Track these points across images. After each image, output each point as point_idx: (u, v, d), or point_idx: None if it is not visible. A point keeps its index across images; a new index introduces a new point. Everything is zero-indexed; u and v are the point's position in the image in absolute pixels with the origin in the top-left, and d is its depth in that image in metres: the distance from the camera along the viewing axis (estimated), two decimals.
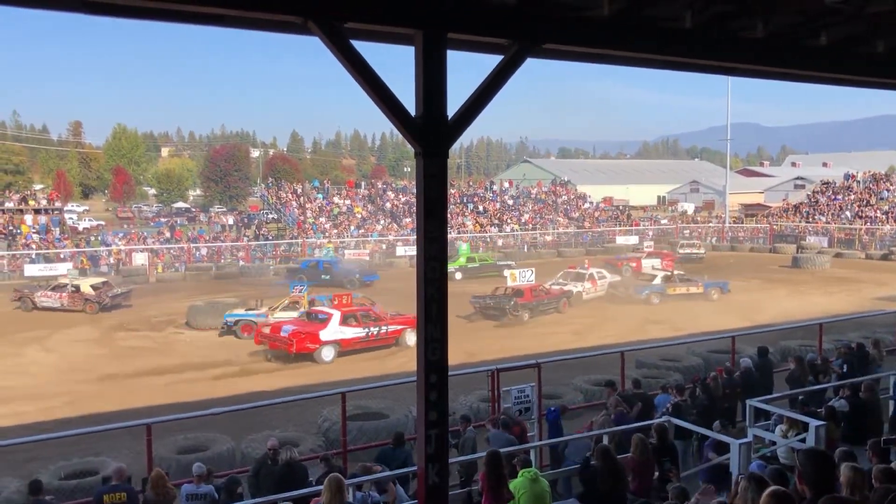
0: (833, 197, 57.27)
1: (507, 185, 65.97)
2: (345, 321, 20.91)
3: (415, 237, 5.60)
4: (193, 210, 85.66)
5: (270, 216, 58.09)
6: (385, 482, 8.33)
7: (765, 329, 19.12)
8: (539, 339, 22.55)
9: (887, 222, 49.84)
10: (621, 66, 6.73)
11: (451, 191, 56.65)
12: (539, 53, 5.80)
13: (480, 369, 13.62)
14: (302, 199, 54.84)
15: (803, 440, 9.04)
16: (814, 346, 16.63)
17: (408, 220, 51.23)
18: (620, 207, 66.93)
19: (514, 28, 5.47)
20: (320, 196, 55.98)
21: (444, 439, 5.45)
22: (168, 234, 47.52)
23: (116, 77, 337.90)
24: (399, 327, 21.95)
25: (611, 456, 8.07)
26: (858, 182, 58.65)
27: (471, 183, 75.52)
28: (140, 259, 39.83)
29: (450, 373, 5.50)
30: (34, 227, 43.25)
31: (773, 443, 9.61)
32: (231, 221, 58.10)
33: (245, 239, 46.93)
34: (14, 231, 42.19)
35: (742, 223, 60.62)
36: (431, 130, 5.22)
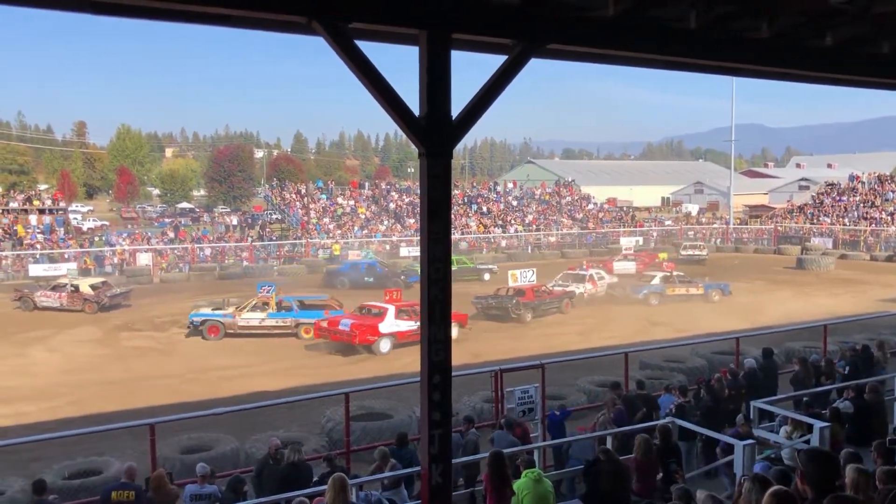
0: (838, 198, 57.15)
1: (510, 185, 65.97)
2: (399, 315, 21.79)
3: (418, 238, 5.59)
4: (197, 210, 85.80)
5: (274, 217, 58.13)
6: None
7: (769, 330, 19.08)
8: (543, 339, 22.54)
9: (892, 223, 49.67)
10: (625, 67, 6.73)
11: (455, 191, 56.66)
12: (543, 54, 5.80)
13: (484, 370, 13.62)
14: (306, 199, 54.89)
15: (808, 442, 9.03)
16: (818, 347, 16.60)
17: (411, 220, 51.24)
18: (624, 208, 66.87)
19: (518, 28, 5.47)
20: (324, 196, 56.03)
21: (448, 440, 5.45)
22: (172, 235, 47.59)
23: (121, 77, 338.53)
24: None
25: (613, 457, 8.07)
26: (863, 183, 58.51)
27: (475, 184, 75.48)
28: (144, 259, 39.88)
29: (453, 373, 5.50)
30: (38, 228, 43.35)
31: (778, 444, 9.59)
32: (235, 222, 58.15)
33: (249, 239, 46.96)
34: (15, 233, 42.29)
35: (746, 224, 60.50)
36: (435, 131, 5.22)
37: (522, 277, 27.18)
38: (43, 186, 78.27)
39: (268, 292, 24.09)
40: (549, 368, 12.54)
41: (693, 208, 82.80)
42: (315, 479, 8.83)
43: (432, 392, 5.33)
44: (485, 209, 56.32)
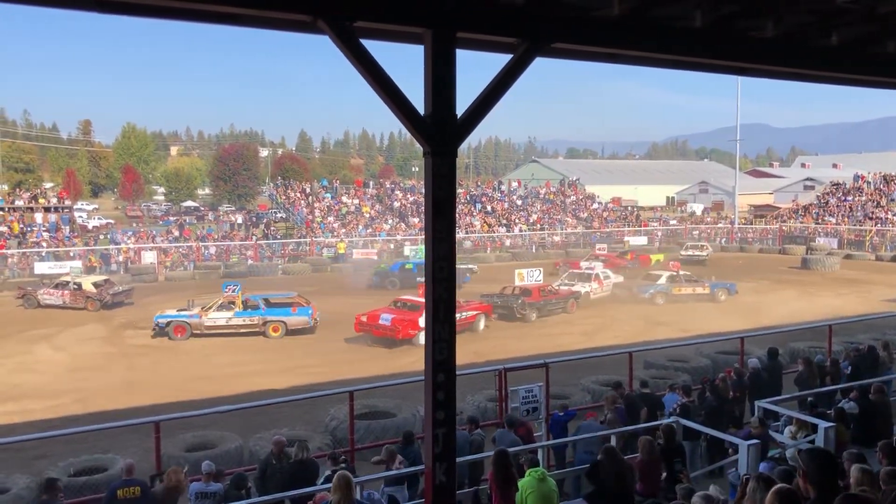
0: (843, 198, 56.99)
1: (515, 184, 65.93)
2: None
3: (423, 237, 5.60)
4: (202, 209, 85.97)
5: (279, 215, 58.19)
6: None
7: (774, 331, 19.05)
8: (547, 339, 22.53)
9: None
10: (630, 66, 6.71)
11: (460, 190, 56.61)
12: (548, 53, 5.80)
13: (488, 369, 13.62)
14: (310, 198, 54.94)
15: (812, 442, 9.01)
16: (823, 347, 16.57)
17: (416, 219, 51.24)
18: (629, 208, 66.79)
19: (523, 27, 5.47)
20: (329, 195, 56.06)
21: (452, 438, 5.46)
22: (177, 233, 47.67)
23: (126, 76, 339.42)
24: (473, 313, 23.93)
25: (617, 456, 8.06)
26: (869, 183, 58.35)
27: (479, 183, 75.43)
28: (149, 257, 39.97)
29: (457, 372, 5.50)
30: (44, 226, 43.45)
31: (782, 444, 9.58)
32: (240, 220, 58.28)
33: (253, 238, 47.02)
34: (24, 229, 42.42)
35: (751, 224, 60.39)
36: (440, 129, 5.22)
37: (529, 277, 27.20)
38: (48, 185, 78.46)
39: (233, 291, 24.01)
40: (554, 368, 12.54)
41: (698, 208, 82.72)
42: (321, 479, 8.81)
43: (436, 391, 5.33)
44: (489, 208, 56.30)
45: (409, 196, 57.17)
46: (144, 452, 11.02)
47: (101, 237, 46.34)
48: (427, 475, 5.47)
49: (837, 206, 55.88)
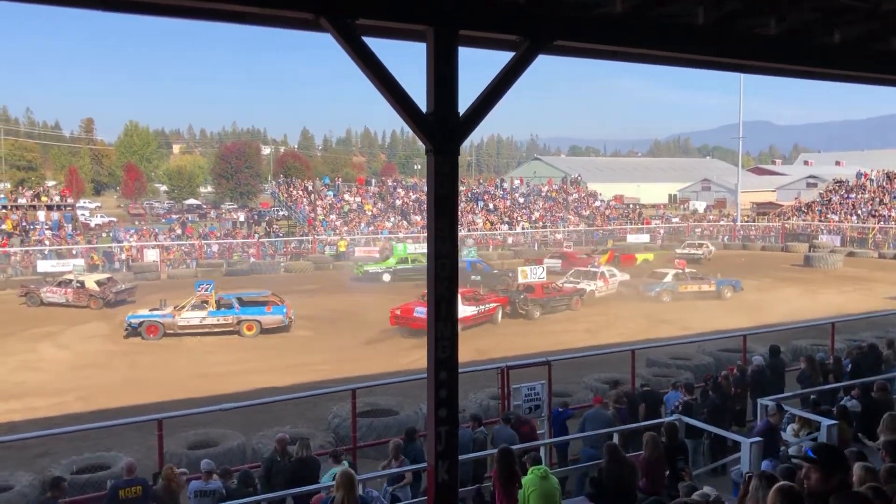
0: (846, 195, 56.91)
1: (517, 182, 65.86)
2: (463, 301, 22.54)
3: (425, 235, 5.59)
4: (204, 207, 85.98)
5: (281, 213, 58.24)
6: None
7: (776, 328, 19.03)
8: (550, 336, 22.53)
9: None
10: (632, 63, 6.71)
11: (462, 188, 56.57)
12: (550, 50, 5.79)
13: (490, 367, 13.62)
14: (312, 196, 54.94)
15: (815, 439, 9.01)
16: (826, 345, 16.55)
17: (418, 217, 51.24)
18: (631, 206, 66.74)
19: (526, 25, 5.46)
20: (331, 193, 56.06)
21: (454, 436, 5.46)
22: (179, 231, 47.71)
23: (129, 74, 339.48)
24: (494, 305, 25.05)
25: (620, 454, 8.06)
26: (871, 181, 58.25)
27: (481, 181, 75.40)
28: (151, 255, 40.02)
29: (459, 370, 5.50)
30: (46, 224, 43.48)
31: (785, 442, 9.57)
32: (242, 218, 58.29)
33: (256, 236, 47.04)
34: (27, 227, 42.47)
35: (754, 222, 60.31)
36: (443, 127, 5.22)
37: (532, 274, 27.29)
38: (51, 183, 78.51)
39: (206, 290, 23.92)
40: (556, 366, 12.53)
41: (700, 205, 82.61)
42: (325, 476, 8.81)
43: (439, 389, 5.33)
44: (491, 206, 56.28)
45: (411, 194, 57.15)
46: (147, 450, 11.03)
47: (104, 235, 46.39)
48: (429, 473, 5.47)
49: (840, 203, 55.80)
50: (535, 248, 48.40)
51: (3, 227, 41.63)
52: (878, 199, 54.02)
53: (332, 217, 51.26)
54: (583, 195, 63.27)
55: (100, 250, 40.29)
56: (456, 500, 5.53)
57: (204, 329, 23.40)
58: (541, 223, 54.29)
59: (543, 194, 61.62)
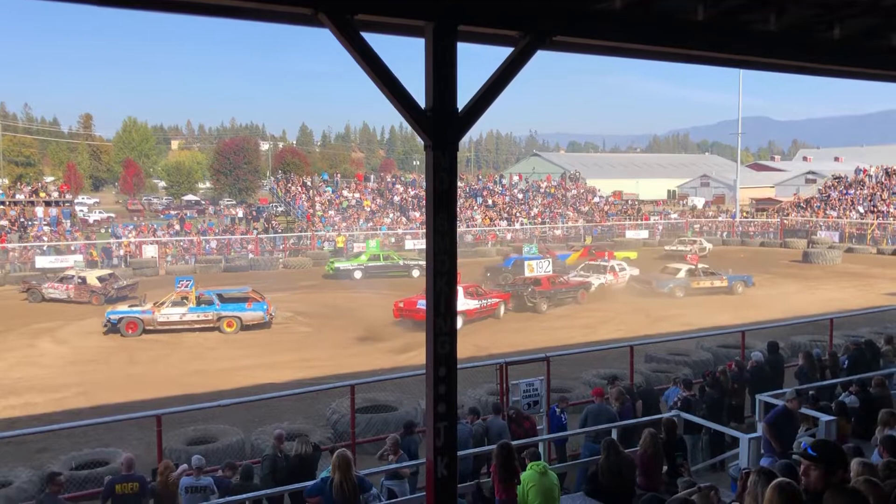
0: (845, 191, 56.93)
1: (516, 178, 65.85)
2: (467, 295, 23.35)
3: (424, 231, 5.58)
4: (203, 203, 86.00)
5: (280, 209, 58.18)
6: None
7: (775, 324, 19.06)
8: (548, 333, 22.54)
9: None
10: (632, 59, 6.69)
11: (461, 184, 56.57)
12: (549, 46, 5.77)
13: (489, 362, 13.63)
14: (311, 192, 54.91)
15: (813, 435, 9.02)
16: (824, 341, 16.56)
17: (416, 213, 51.23)
18: (630, 202, 66.75)
19: (525, 20, 5.44)
20: (329, 189, 56.03)
21: (453, 432, 5.46)
22: (178, 227, 47.69)
23: (127, 70, 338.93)
24: (496, 300, 25.26)
25: (618, 450, 8.07)
26: (870, 176, 58.27)
27: (480, 176, 75.34)
28: (150, 251, 40.02)
29: (458, 366, 5.50)
30: (45, 220, 43.46)
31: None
32: (240, 214, 58.24)
33: (254, 232, 47.03)
34: (25, 223, 42.44)
35: (753, 218, 60.33)
36: (441, 123, 5.20)
37: (539, 268, 27.45)
38: (49, 178, 78.50)
39: (186, 287, 23.88)
40: (555, 361, 12.55)
41: (699, 201, 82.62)
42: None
43: (438, 384, 5.33)
44: (490, 202, 56.28)
45: (409, 190, 57.14)
46: (146, 446, 11.05)
47: (102, 231, 46.35)
48: (428, 468, 5.47)
49: (839, 199, 55.83)
50: (534, 244, 48.33)
51: (2, 222, 41.62)
52: (876, 195, 54.06)
53: (331, 213, 51.24)
54: (582, 191, 63.27)
55: (98, 246, 40.26)
56: (455, 496, 5.53)
57: (184, 325, 23.36)
58: (540, 219, 54.30)
59: (542, 190, 61.61)
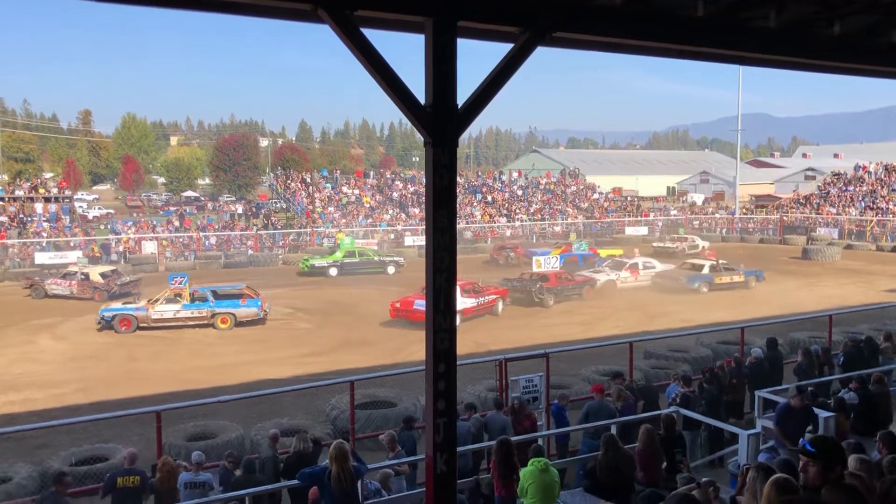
0: (844, 188, 56.93)
1: (515, 175, 65.81)
2: (463, 293, 22.92)
3: (423, 227, 5.58)
4: (202, 199, 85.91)
5: (279, 205, 58.14)
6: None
7: (774, 321, 19.07)
8: (547, 329, 22.55)
9: None
10: (631, 55, 6.68)
11: (460, 181, 56.53)
12: (549, 42, 5.77)
13: (488, 359, 13.64)
14: (311, 188, 54.88)
15: (813, 432, 9.03)
16: (823, 337, 16.57)
17: (416, 209, 51.21)
18: (629, 198, 66.72)
19: (524, 16, 5.44)
20: (329, 185, 55.99)
21: (453, 428, 5.47)
22: (177, 223, 47.66)
23: (126, 66, 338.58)
24: (494, 297, 25.17)
25: (616, 445, 8.07)
26: (870, 173, 58.27)
27: (479, 173, 75.33)
28: (149, 247, 40.01)
29: (458, 362, 5.51)
30: (44, 216, 43.43)
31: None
32: (240, 210, 58.19)
33: (254, 228, 47.01)
34: (25, 219, 42.41)
35: (752, 214, 60.33)
36: (441, 119, 5.20)
37: (546, 264, 27.88)
38: (48, 175, 78.45)
39: (180, 283, 23.85)
40: (554, 358, 12.56)
41: (699, 198, 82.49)
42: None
43: (437, 381, 5.34)
44: (490, 198, 56.25)
45: (409, 186, 57.10)
46: (146, 442, 11.06)
47: (102, 227, 46.31)
48: (428, 464, 5.48)
49: (838, 196, 55.82)
50: (534, 240, 48.38)
51: (1, 218, 41.58)
52: (876, 192, 54.06)
53: (331, 209, 51.21)
54: (581, 187, 63.24)
55: (98, 242, 40.24)
56: (454, 492, 5.55)
57: (178, 322, 23.35)
58: (539, 216, 54.29)
59: (542, 187, 61.58)
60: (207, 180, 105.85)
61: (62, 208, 45.20)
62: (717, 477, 8.12)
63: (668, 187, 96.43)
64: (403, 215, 51.42)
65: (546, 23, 5.50)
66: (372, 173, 64.32)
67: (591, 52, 6.60)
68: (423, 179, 5.83)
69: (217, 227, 47.79)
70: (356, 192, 55.26)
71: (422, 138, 5.30)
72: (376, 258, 36.76)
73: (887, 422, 9.62)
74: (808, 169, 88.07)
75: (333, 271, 34.85)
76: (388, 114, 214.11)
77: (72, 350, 21.02)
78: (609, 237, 49.68)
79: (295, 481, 7.98)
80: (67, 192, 49.45)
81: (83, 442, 11.97)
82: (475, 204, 54.55)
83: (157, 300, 23.60)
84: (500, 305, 25.45)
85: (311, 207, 51.01)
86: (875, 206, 51.55)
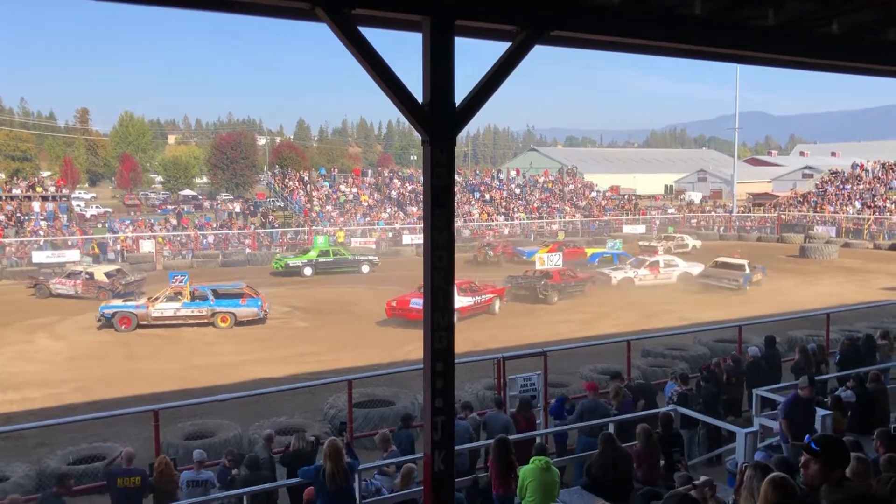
0: (841, 186, 56.99)
1: (513, 173, 65.82)
2: (460, 292, 22.98)
3: (421, 226, 5.58)
4: (200, 197, 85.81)
5: (277, 204, 58.12)
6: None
7: (772, 319, 19.09)
8: (545, 328, 22.56)
9: None
10: (630, 54, 6.68)
11: (458, 179, 56.53)
12: (547, 40, 5.76)
13: (487, 357, 13.64)
14: (308, 186, 54.86)
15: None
16: (821, 336, 16.60)
17: (414, 208, 51.20)
18: (627, 196, 66.75)
19: (522, 15, 5.43)
20: (327, 184, 55.97)
21: (451, 427, 5.47)
22: (175, 222, 47.62)
23: (124, 64, 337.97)
24: (490, 296, 25.13)
25: (614, 443, 8.08)
26: (867, 171, 58.33)
27: (477, 171, 75.28)
28: (147, 246, 39.96)
29: (456, 361, 5.51)
30: (41, 215, 43.35)
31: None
32: (238, 209, 58.16)
33: (252, 226, 46.98)
34: (22, 218, 42.35)
35: (750, 212, 60.37)
36: (439, 118, 5.19)
37: (550, 261, 28.06)
38: (46, 173, 78.28)
39: (180, 282, 23.82)
40: (552, 356, 12.56)
41: (696, 196, 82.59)
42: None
43: (435, 379, 5.33)
44: (488, 197, 56.26)
45: (407, 185, 57.09)
46: (144, 441, 11.05)
47: (99, 226, 46.25)
48: (426, 463, 5.48)
49: (836, 194, 55.88)
50: (532, 238, 48.39)
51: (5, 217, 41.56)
52: (873, 190, 54.12)
53: (329, 208, 51.20)
54: (579, 186, 63.26)
55: (95, 241, 40.18)
56: (452, 491, 5.54)
57: (178, 320, 23.32)
58: (537, 214, 54.30)
59: (540, 185, 61.60)
60: (205, 179, 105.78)
61: (59, 207, 45.15)
62: (714, 475, 8.13)
63: (666, 186, 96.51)
64: (401, 214, 51.41)
65: (544, 21, 5.49)
66: (370, 172, 64.28)
67: (590, 50, 6.59)
68: (421, 178, 5.82)
69: (215, 225, 47.77)
70: (354, 190, 55.24)
71: (420, 137, 5.29)
72: (350, 257, 36.69)
73: (885, 420, 9.63)
74: (805, 167, 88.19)
75: (308, 271, 34.69)
76: (386, 112, 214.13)
77: (70, 349, 20.98)
78: (607, 235, 49.67)
79: (296, 479, 7.99)
80: (65, 191, 49.38)
81: (81, 441, 11.95)
82: (473, 202, 54.56)
83: (157, 298, 23.58)
84: (497, 304, 25.45)
85: (308, 206, 50.98)
86: (872, 205, 51.61)
